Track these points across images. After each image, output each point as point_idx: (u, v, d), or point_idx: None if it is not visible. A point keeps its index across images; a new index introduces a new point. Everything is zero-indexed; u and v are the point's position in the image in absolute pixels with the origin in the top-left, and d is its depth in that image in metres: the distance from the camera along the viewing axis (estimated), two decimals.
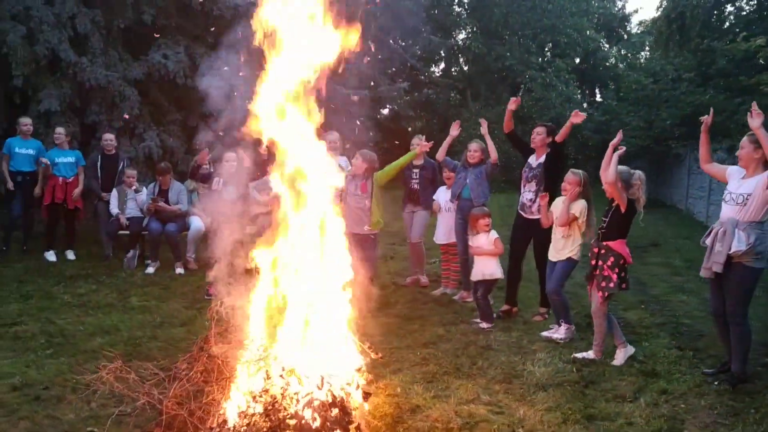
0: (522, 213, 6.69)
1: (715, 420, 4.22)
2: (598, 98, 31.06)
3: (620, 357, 5.25)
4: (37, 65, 9.42)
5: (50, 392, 4.40)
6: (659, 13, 16.62)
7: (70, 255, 8.67)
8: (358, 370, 3.40)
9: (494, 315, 6.49)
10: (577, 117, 6.42)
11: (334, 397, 3.11)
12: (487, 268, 6.24)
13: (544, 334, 5.97)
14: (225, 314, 3.81)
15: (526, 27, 28.20)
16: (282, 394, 3.07)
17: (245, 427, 3.05)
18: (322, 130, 7.42)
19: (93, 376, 3.73)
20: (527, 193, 6.62)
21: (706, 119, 5.00)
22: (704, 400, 4.50)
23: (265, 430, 3.02)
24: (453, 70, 30.80)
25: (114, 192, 8.54)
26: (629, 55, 29.53)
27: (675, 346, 5.69)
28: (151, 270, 8.21)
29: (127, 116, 8.83)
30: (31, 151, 8.41)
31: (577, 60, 30.66)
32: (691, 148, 15.11)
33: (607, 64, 30.80)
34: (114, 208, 8.44)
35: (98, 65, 9.82)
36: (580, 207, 5.74)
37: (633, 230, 5.38)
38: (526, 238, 6.63)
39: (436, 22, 26.70)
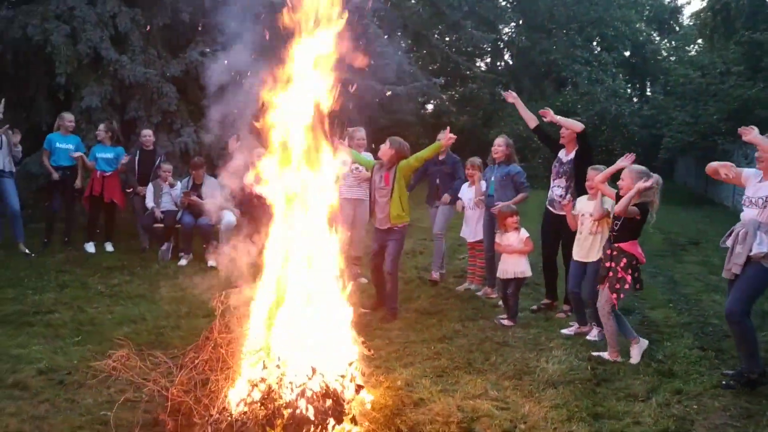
0: (551, 209, 6.62)
1: (726, 422, 4.13)
2: (649, 92, 30.30)
3: (635, 354, 5.19)
4: (79, 63, 9.76)
5: (73, 377, 4.59)
6: (704, 4, 16.12)
7: (109, 247, 8.98)
8: (350, 363, 3.43)
9: (535, 308, 6.64)
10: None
11: (327, 388, 3.17)
12: (518, 266, 6.20)
13: (564, 331, 5.93)
14: (230, 305, 3.92)
15: (572, 20, 27.73)
16: (278, 384, 3.15)
17: (243, 415, 3.15)
18: (347, 127, 7.57)
19: (101, 362, 3.87)
20: (556, 188, 6.55)
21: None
22: (718, 402, 4.41)
23: (261, 417, 3.12)
24: (498, 64, 30.50)
25: (150, 186, 8.79)
26: (678, 47, 28.72)
27: (698, 346, 5.56)
28: (183, 262, 8.44)
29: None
30: (70, 146, 8.74)
31: (627, 53, 29.97)
32: (740, 144, 14.63)
33: (659, 57, 30.03)
34: (149, 202, 8.70)
35: (138, 63, 10.11)
36: (610, 201, 5.64)
37: (673, 227, 5.30)
38: (556, 234, 6.54)
39: (479, 16, 26.48)
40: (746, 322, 4.62)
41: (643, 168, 5.28)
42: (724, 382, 4.64)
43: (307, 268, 3.68)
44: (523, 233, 6.27)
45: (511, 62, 30.26)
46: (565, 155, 6.55)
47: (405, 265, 8.81)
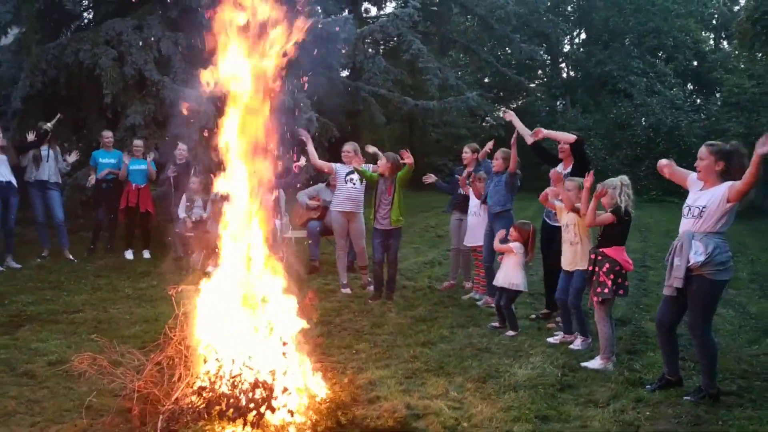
0: (547, 220, 6.80)
1: (674, 428, 4.23)
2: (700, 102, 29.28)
3: (596, 364, 5.30)
4: (125, 84, 10.54)
5: (83, 367, 5.11)
6: (742, 14, 15.65)
7: (146, 254, 9.66)
8: (284, 354, 3.76)
9: (533, 316, 6.86)
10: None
11: (257, 379, 3.52)
12: (514, 278, 6.38)
13: (550, 339, 6.07)
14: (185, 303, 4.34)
15: (629, 31, 27.30)
16: (216, 375, 3.53)
17: (188, 405, 3.55)
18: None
19: (77, 356, 4.34)
20: (555, 202, 6.71)
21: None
22: (674, 410, 4.49)
23: (202, 405, 3.51)
24: (551, 76, 30.29)
25: (183, 197, 9.41)
26: (734, 56, 27.73)
27: (680, 357, 5.60)
28: (211, 269, 8.98)
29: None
30: (113, 161, 9.49)
31: (688, 63, 29.17)
32: None
33: (720, 67, 29.07)
34: (181, 212, 9.31)
35: (179, 83, 10.81)
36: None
37: None
38: (554, 245, 6.69)
39: (531, 29, 26.47)
40: (709, 337, 4.68)
41: (612, 179, 5.45)
42: (687, 397, 4.70)
43: (257, 267, 4.06)
44: (518, 247, 6.43)
45: (565, 74, 29.99)
46: (563, 169, 6.70)
47: (419, 274, 9.11)
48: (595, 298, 5.37)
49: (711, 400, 4.57)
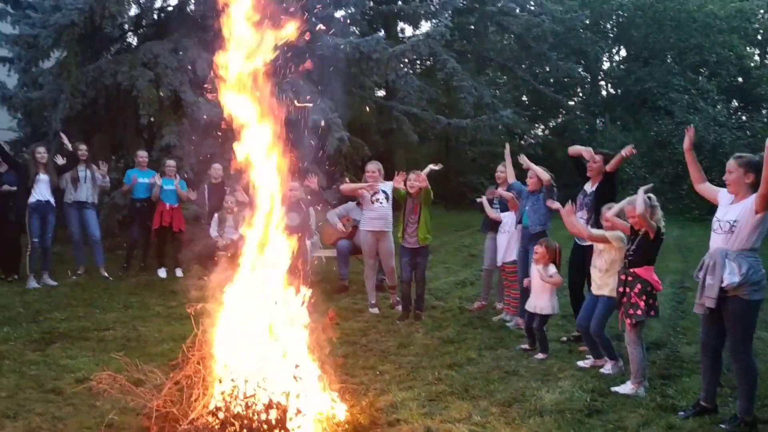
0: (577, 240, 6.64)
1: None
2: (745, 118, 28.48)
3: (627, 389, 5.12)
4: (161, 105, 10.76)
5: (102, 386, 5.15)
6: None
7: (179, 272, 9.76)
8: (295, 377, 3.71)
9: (564, 339, 6.68)
10: (628, 151, 6.33)
11: (271, 401, 3.48)
12: (541, 302, 6.23)
13: (580, 363, 5.89)
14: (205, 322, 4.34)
15: (670, 48, 26.83)
16: (231, 395, 3.50)
17: (203, 425, 3.53)
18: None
19: (97, 374, 4.37)
20: (580, 220, 6.57)
21: (688, 134, 4.77)
22: None
23: (217, 426, 3.48)
24: (590, 94, 29.91)
25: (215, 217, 9.51)
26: None
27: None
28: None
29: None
30: (146, 180, 9.65)
31: (739, 79, 28.46)
32: None
33: (766, 84, 28.30)
34: (213, 232, 9.40)
35: (213, 103, 10.98)
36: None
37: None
38: (582, 266, 6.54)
39: (569, 46, 26.23)
40: (751, 359, 4.49)
41: (644, 197, 5.28)
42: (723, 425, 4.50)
43: (275, 289, 4.03)
44: (551, 269, 6.28)
45: (604, 92, 29.59)
46: (590, 187, 6.57)
47: (450, 295, 8.99)
48: (627, 321, 5.19)
49: (747, 428, 4.37)
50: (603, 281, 5.66)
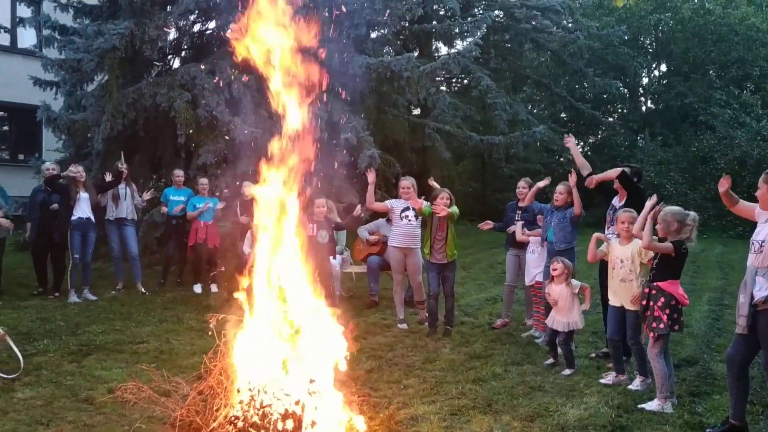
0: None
1: None
2: None
3: (654, 405, 5.05)
4: (197, 125, 11.06)
5: (145, 393, 5.29)
6: None
7: (214, 288, 9.96)
8: (312, 381, 3.77)
9: (593, 355, 6.63)
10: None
11: (286, 411, 3.56)
12: (565, 317, 6.20)
13: (602, 381, 5.80)
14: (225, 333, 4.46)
15: (711, 62, 26.40)
16: (249, 404, 3.59)
17: None
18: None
19: (122, 385, 4.52)
20: (610, 235, 6.53)
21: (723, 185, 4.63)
22: None
23: None
24: (629, 110, 29.54)
25: (248, 233, 9.68)
26: None
27: (748, 401, 5.25)
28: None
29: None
30: (182, 198, 9.92)
31: None
32: None
33: None
34: (246, 248, 9.57)
35: (248, 123, 11.24)
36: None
37: None
38: None
39: (607, 62, 26.04)
40: None
41: (679, 209, 5.23)
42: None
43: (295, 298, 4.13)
44: (575, 284, 6.25)
45: (644, 108, 29.20)
46: (618, 201, 6.53)
47: (480, 311, 8.96)
48: (651, 334, 5.14)
49: None
50: (628, 292, 5.61)
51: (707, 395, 5.45)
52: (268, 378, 3.81)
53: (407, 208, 7.76)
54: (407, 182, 7.88)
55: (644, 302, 5.20)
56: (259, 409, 3.62)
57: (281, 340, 4.05)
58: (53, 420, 4.75)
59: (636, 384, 5.59)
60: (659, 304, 5.07)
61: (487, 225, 8.19)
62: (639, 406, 5.12)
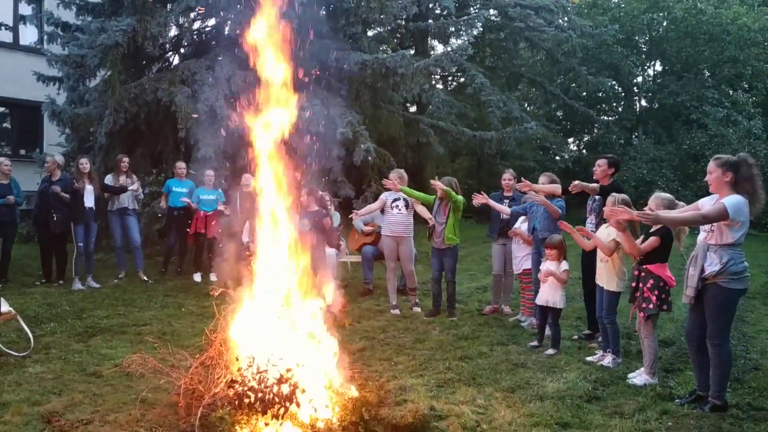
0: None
1: None
2: None
3: (642, 379, 5.38)
4: (198, 119, 11.36)
5: (134, 367, 5.60)
6: None
7: (213, 276, 10.27)
8: (300, 355, 4.08)
9: (575, 337, 6.98)
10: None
11: (282, 375, 3.87)
12: (551, 296, 6.54)
13: (589, 358, 6.14)
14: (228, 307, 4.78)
15: (703, 61, 26.75)
16: (247, 370, 3.93)
17: (222, 398, 3.97)
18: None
19: (128, 357, 4.85)
20: (589, 225, 6.89)
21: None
22: (696, 421, 4.54)
23: (234, 396, 3.90)
24: (623, 108, 29.87)
25: (247, 223, 9.99)
26: None
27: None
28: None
29: None
30: (184, 190, 10.22)
31: None
32: None
33: None
34: (245, 238, 9.87)
35: (245, 117, 11.53)
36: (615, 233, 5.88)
37: None
38: (593, 265, 6.80)
39: (601, 62, 26.36)
40: (727, 347, 4.76)
41: (669, 196, 5.53)
42: (695, 408, 4.78)
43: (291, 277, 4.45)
44: (564, 265, 6.59)
45: (637, 106, 29.55)
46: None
47: (470, 298, 9.28)
48: (640, 314, 5.46)
49: (717, 411, 4.63)
50: (605, 274, 5.97)
51: (680, 371, 5.79)
52: (265, 347, 4.11)
53: (397, 199, 8.09)
54: (395, 174, 8.24)
55: (633, 284, 5.52)
56: (256, 374, 3.92)
57: (276, 316, 4.36)
58: (64, 390, 5.07)
59: (607, 360, 5.92)
60: (648, 285, 5.38)
61: (482, 198, 8.30)
62: (628, 380, 5.45)
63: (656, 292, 5.37)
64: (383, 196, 8.45)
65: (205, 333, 6.02)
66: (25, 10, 17.05)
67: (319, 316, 4.62)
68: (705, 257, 4.59)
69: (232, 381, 3.97)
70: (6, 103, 17.66)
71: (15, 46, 17.55)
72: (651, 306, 5.38)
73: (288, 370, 3.86)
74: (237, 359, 4.16)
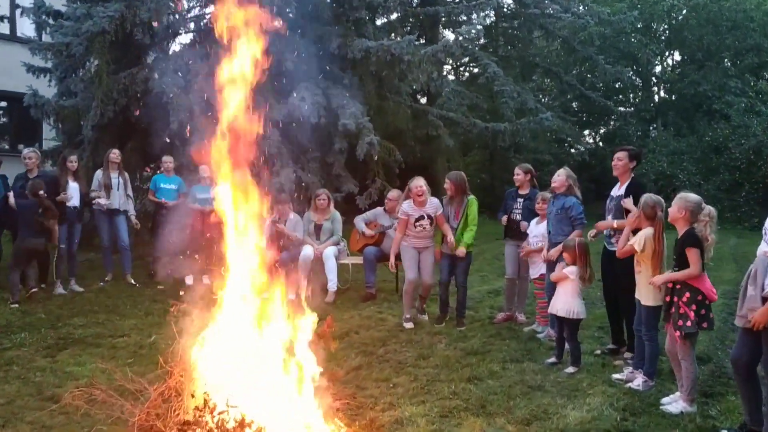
0: (606, 245, 6.20)
1: None
2: None
3: (678, 406, 4.64)
4: (190, 111, 10.69)
5: (103, 394, 4.95)
6: None
7: (206, 279, 9.59)
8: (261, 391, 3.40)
9: (598, 352, 6.19)
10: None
11: (243, 419, 3.18)
12: (567, 304, 5.78)
13: (615, 376, 5.41)
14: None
15: (726, 49, 25.73)
16: (203, 410, 3.23)
17: None
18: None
19: (71, 392, 4.20)
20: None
21: None
22: None
23: None
24: (642, 99, 28.90)
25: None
26: None
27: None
28: (265, 295, 8.79)
29: None
30: (173, 186, 9.55)
31: None
32: None
33: None
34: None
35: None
36: (640, 238, 5.14)
37: None
38: (613, 271, 6.06)
39: (619, 50, 25.43)
40: None
41: (698, 198, 4.77)
42: None
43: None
44: (573, 269, 5.85)
45: (657, 97, 28.58)
46: (617, 190, 6.10)
47: (481, 304, 8.56)
48: (677, 333, 4.69)
49: None
50: (638, 283, 5.22)
51: (721, 396, 5.04)
52: (225, 381, 3.44)
53: (422, 217, 7.25)
54: (420, 182, 7.27)
55: (668, 297, 4.77)
56: (217, 415, 3.24)
57: (244, 339, 3.69)
58: (10, 420, 4.44)
59: (637, 383, 5.18)
60: (684, 299, 4.62)
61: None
62: (662, 400, 4.74)
63: (694, 307, 4.60)
64: (403, 211, 7.33)
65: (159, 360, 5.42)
66: (23, 0, 16.45)
67: (300, 337, 3.93)
68: (766, 273, 3.80)
69: (186, 423, 3.28)
70: (4, 96, 17.13)
71: (12, 37, 16.99)
72: (689, 323, 4.61)
73: (256, 412, 3.17)
74: (193, 396, 3.47)
